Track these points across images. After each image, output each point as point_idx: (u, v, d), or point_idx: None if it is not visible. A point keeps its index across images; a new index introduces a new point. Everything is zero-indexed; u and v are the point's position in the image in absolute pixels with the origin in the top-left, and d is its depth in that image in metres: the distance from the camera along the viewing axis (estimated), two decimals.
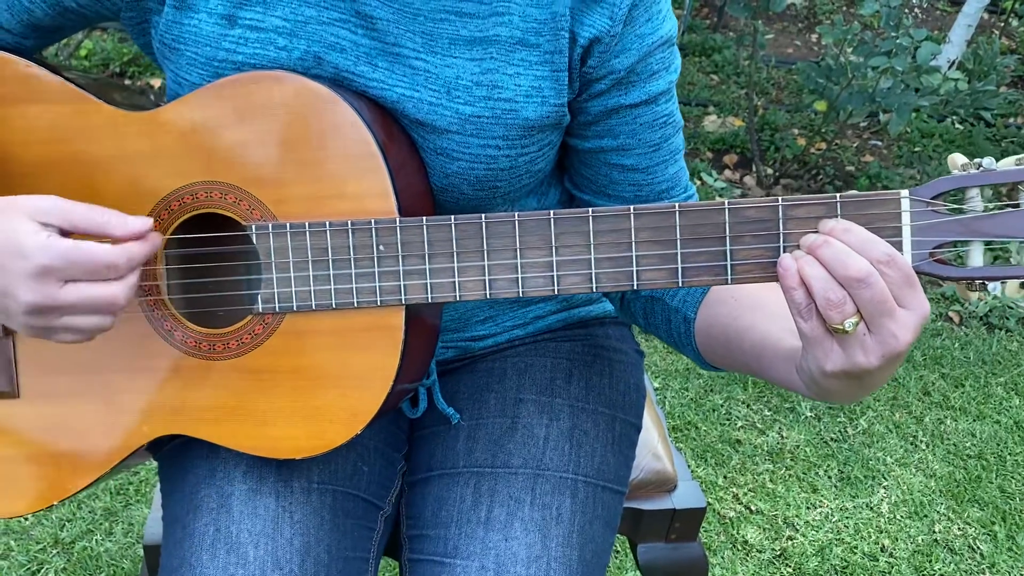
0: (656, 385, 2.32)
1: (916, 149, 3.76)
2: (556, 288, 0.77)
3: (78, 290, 0.72)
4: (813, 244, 0.70)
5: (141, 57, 3.63)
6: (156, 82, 3.59)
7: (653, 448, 1.21)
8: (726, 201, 0.73)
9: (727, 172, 3.43)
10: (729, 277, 0.75)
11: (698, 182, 3.26)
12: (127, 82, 3.60)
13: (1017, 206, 0.69)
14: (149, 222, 0.75)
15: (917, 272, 0.71)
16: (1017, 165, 0.69)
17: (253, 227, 0.79)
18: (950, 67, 3.87)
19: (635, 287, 0.76)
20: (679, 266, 0.75)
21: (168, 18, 0.83)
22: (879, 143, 3.82)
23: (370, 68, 0.82)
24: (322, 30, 0.81)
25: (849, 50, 3.01)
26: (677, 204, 0.74)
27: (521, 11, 0.82)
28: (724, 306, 0.86)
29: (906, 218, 0.71)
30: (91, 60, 3.61)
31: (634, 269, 0.76)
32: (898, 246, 0.71)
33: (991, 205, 0.70)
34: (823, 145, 3.55)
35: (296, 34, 0.81)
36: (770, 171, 3.40)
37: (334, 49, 0.82)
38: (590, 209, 0.75)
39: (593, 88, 0.86)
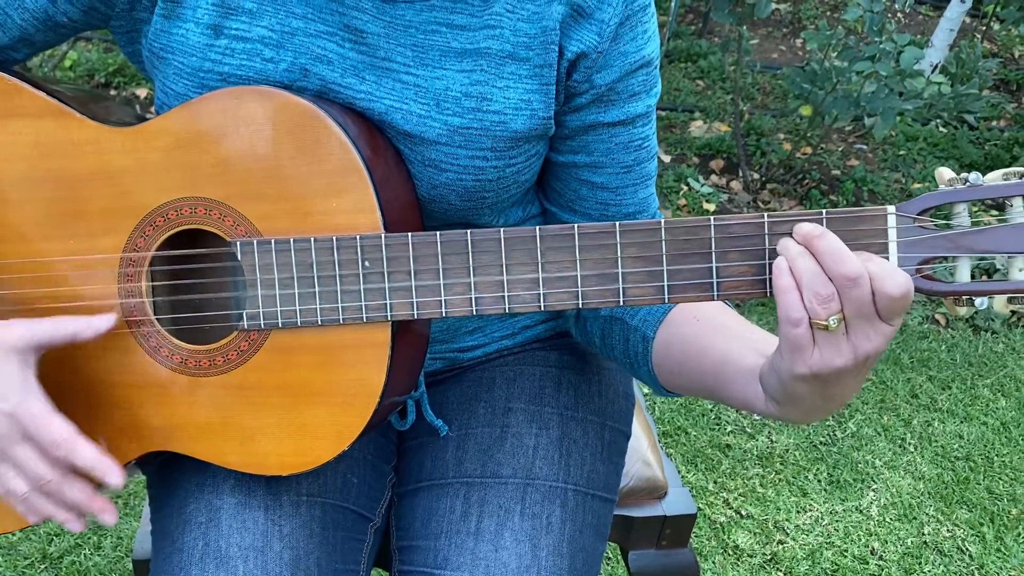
0: (645, 391, 2.33)
1: (901, 153, 3.79)
2: (542, 305, 0.76)
3: (28, 452, 0.76)
4: (810, 234, 0.69)
5: (126, 67, 3.62)
6: (142, 92, 3.58)
7: (643, 455, 1.21)
8: (712, 218, 0.73)
9: (713, 177, 3.45)
10: (715, 293, 0.74)
11: (685, 187, 3.28)
12: (112, 92, 3.59)
13: (1005, 220, 0.69)
14: (112, 318, 0.79)
15: None
16: (1004, 180, 0.69)
17: (238, 243, 0.79)
18: (933, 71, 3.91)
19: (622, 304, 0.76)
20: (665, 283, 0.75)
21: (156, 27, 0.83)
22: (864, 147, 3.85)
23: (357, 80, 0.82)
24: (309, 42, 0.81)
25: (834, 55, 3.03)
26: (663, 220, 0.74)
27: (512, 25, 0.82)
28: (687, 326, 0.86)
29: (892, 234, 0.71)
30: (76, 71, 3.59)
31: (620, 286, 0.75)
32: None
33: (983, 219, 0.70)
34: (809, 150, 3.57)
35: (283, 45, 0.81)
36: (756, 176, 3.42)
37: (321, 61, 0.82)
38: (575, 225, 0.75)
39: (574, 102, 0.86)
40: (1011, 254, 0.69)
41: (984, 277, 0.72)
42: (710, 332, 0.83)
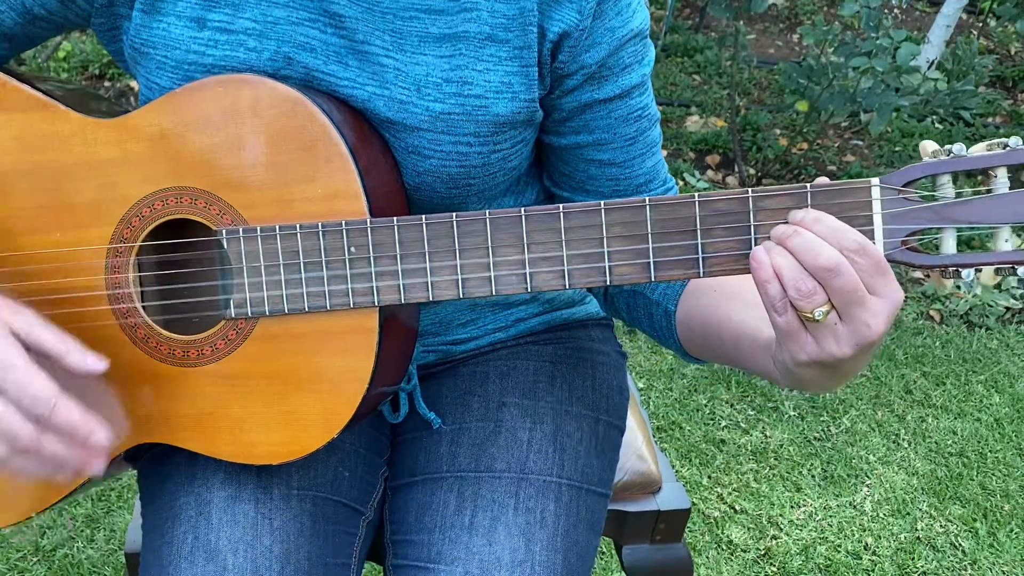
0: (640, 386, 2.33)
1: (897, 149, 3.79)
2: (529, 286, 0.76)
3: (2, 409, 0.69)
4: (783, 235, 0.70)
5: None
6: (136, 84, 3.56)
7: (637, 450, 1.21)
8: (696, 194, 0.73)
9: (709, 172, 3.44)
10: (701, 270, 0.75)
11: (681, 182, 3.27)
12: (107, 84, 3.57)
13: (989, 191, 0.69)
14: (102, 365, 0.73)
15: (890, 260, 0.70)
16: (988, 151, 0.69)
17: (223, 232, 0.78)
18: (929, 67, 3.90)
19: (608, 283, 0.76)
20: (651, 260, 0.75)
21: (137, 22, 0.83)
22: (860, 143, 3.84)
23: (340, 67, 0.82)
24: (292, 30, 0.81)
25: (830, 50, 3.02)
26: (647, 198, 0.74)
27: (489, 7, 0.82)
28: (704, 297, 0.86)
29: (877, 206, 0.71)
30: (69, 62, 3.57)
31: (606, 265, 0.75)
32: (869, 235, 0.70)
33: (964, 191, 0.70)
34: (805, 145, 3.57)
35: (266, 35, 0.81)
36: (752, 171, 3.42)
37: (304, 49, 0.81)
38: (560, 205, 0.75)
39: (565, 84, 0.85)
40: (995, 224, 0.69)
41: (965, 246, 0.72)
42: (727, 302, 0.84)
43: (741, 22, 3.19)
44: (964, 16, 5.06)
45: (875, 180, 0.70)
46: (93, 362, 0.73)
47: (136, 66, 0.85)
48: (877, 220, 0.71)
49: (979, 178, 0.71)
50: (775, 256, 0.69)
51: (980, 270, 0.70)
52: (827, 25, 2.97)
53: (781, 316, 0.69)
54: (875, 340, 0.69)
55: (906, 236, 0.71)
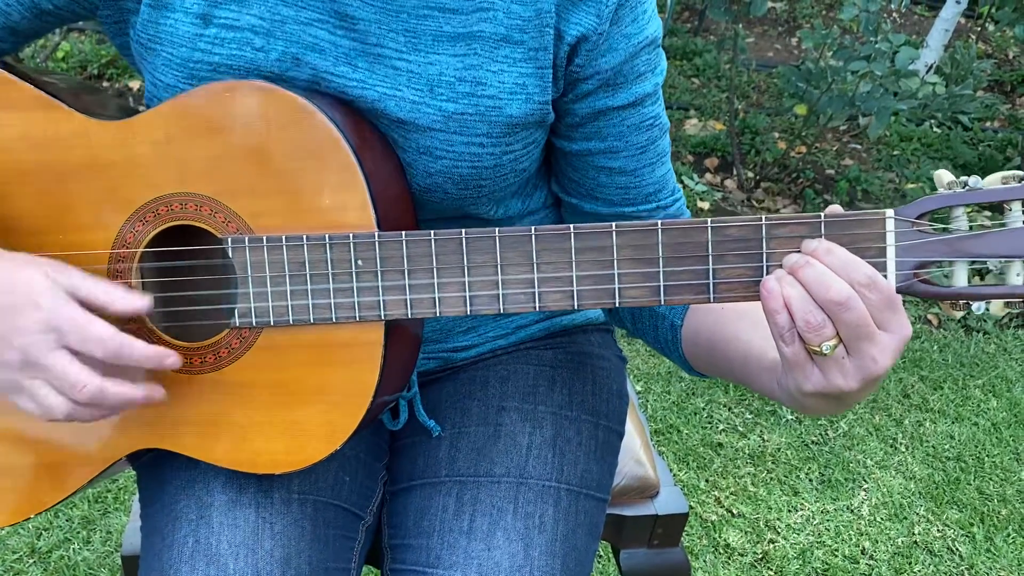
0: (638, 389, 2.33)
1: (895, 152, 3.79)
2: (537, 305, 0.76)
3: (64, 359, 0.72)
4: (795, 265, 0.70)
5: (119, 59, 3.60)
6: (135, 84, 3.56)
7: (635, 454, 1.21)
8: (708, 220, 0.73)
9: (708, 175, 3.45)
10: (711, 296, 0.74)
11: (679, 186, 3.28)
12: (105, 84, 3.57)
13: (1003, 225, 0.69)
14: (147, 301, 0.76)
15: (901, 292, 0.70)
16: (1003, 183, 0.68)
17: (229, 240, 0.78)
18: (928, 71, 3.91)
19: (617, 304, 0.76)
20: (661, 284, 0.75)
21: (144, 17, 0.82)
22: (858, 146, 3.85)
23: (350, 68, 0.81)
24: (300, 30, 0.80)
25: (829, 54, 3.03)
26: (660, 222, 0.74)
27: (505, 7, 0.81)
28: (711, 314, 0.87)
29: (890, 238, 0.70)
30: (68, 62, 3.57)
31: (616, 287, 0.75)
32: (882, 266, 0.70)
33: (985, 223, 0.70)
34: (803, 148, 3.57)
35: (273, 34, 0.80)
36: (751, 174, 3.42)
37: (312, 50, 0.81)
38: (571, 226, 0.75)
39: (579, 88, 0.85)
40: (1008, 258, 0.69)
41: (977, 278, 0.72)
42: (735, 320, 0.84)
43: (740, 25, 3.19)
44: (963, 20, 5.07)
45: (890, 212, 0.70)
46: (139, 301, 0.75)
47: (142, 62, 0.85)
48: (890, 252, 0.70)
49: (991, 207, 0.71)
50: (786, 286, 0.69)
51: (990, 302, 0.70)
52: (826, 29, 2.97)
53: (788, 346, 0.69)
54: (881, 374, 0.69)
55: (918, 268, 0.70)
